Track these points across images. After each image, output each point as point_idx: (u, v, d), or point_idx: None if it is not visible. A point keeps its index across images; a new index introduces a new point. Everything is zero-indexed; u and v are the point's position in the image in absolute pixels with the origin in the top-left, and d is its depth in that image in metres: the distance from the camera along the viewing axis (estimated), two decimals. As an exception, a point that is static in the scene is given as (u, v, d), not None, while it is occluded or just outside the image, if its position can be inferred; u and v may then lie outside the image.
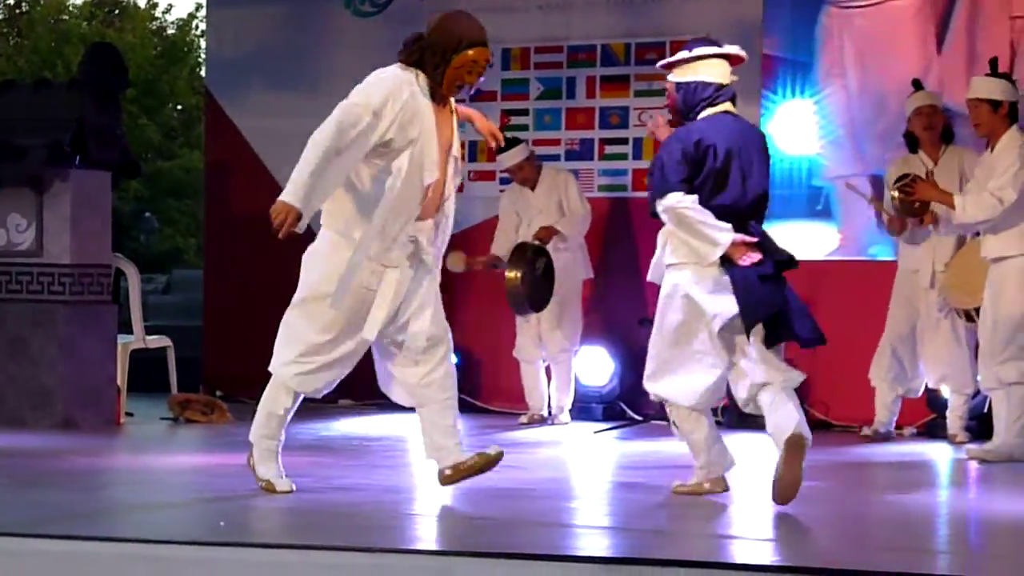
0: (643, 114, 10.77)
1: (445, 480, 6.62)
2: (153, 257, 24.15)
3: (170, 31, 30.40)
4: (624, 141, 10.88)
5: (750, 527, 6.24)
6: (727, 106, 6.64)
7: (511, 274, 9.79)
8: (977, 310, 8.76)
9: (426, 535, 6.01)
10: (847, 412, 9.94)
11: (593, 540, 5.76)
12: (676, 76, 6.67)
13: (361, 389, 11.39)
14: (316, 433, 9.51)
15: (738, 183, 6.50)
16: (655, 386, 6.71)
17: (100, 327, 9.53)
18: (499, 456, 6.61)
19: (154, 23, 30.47)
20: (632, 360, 10.72)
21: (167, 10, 30.87)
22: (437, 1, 11.30)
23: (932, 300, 9.24)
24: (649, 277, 6.79)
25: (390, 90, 6.38)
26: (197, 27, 29.36)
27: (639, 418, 10.23)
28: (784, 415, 6.43)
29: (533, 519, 6.16)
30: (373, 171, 6.42)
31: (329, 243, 6.55)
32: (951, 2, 10.07)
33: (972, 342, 9.16)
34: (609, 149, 10.93)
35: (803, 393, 10.11)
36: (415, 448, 9.20)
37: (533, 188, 10.22)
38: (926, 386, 9.46)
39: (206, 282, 12.15)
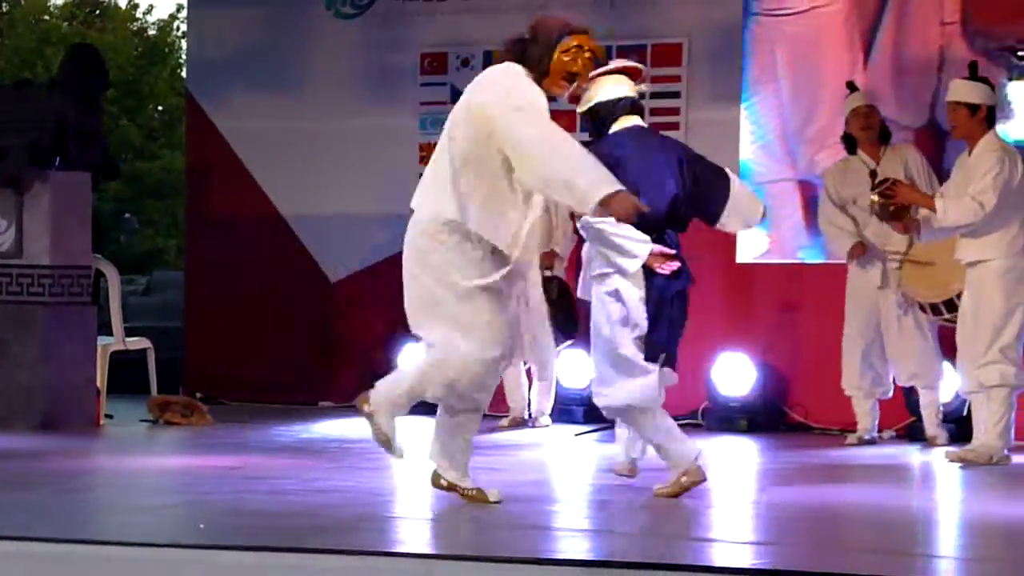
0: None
1: (436, 485, 6.56)
2: (133, 258, 24.11)
3: (151, 32, 30.34)
4: (605, 143, 10.87)
5: (730, 530, 6.25)
6: (635, 119, 6.81)
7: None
8: (946, 304, 8.77)
9: (407, 538, 6.01)
10: (826, 415, 9.95)
11: (574, 543, 5.76)
12: (580, 107, 6.90)
13: (342, 391, 11.45)
14: (297, 435, 9.49)
15: (651, 195, 6.57)
16: (607, 395, 6.78)
17: (80, 328, 9.50)
18: (496, 503, 6.41)
19: (135, 24, 30.41)
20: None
21: (148, 11, 30.78)
22: (417, 3, 11.35)
23: (890, 297, 9.25)
24: (579, 294, 6.94)
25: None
26: (178, 28, 29.31)
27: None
28: (683, 444, 6.78)
29: (514, 522, 6.16)
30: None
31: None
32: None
33: (936, 335, 9.18)
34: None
35: (782, 396, 10.21)
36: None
37: None
38: (903, 388, 9.47)
39: (187, 283, 12.13)
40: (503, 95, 6.18)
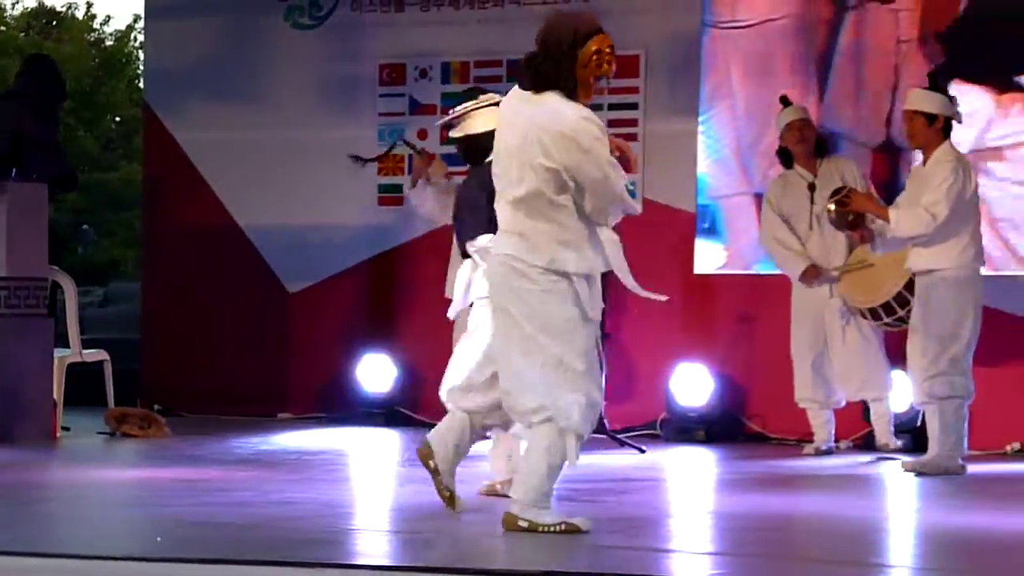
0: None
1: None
2: (91, 269, 23.98)
3: (108, 43, 30.25)
4: (564, 155, 10.88)
5: (689, 540, 6.26)
6: None
7: None
8: (884, 307, 8.81)
9: (365, 550, 6.00)
10: (784, 426, 9.98)
11: (534, 554, 5.76)
12: (455, 132, 7.10)
13: (300, 403, 11.44)
14: (255, 447, 9.47)
15: None
16: (463, 399, 6.81)
17: (36, 340, 9.46)
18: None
19: (92, 35, 30.31)
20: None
21: (105, 21, 30.69)
22: (376, 14, 11.35)
23: (834, 308, 9.29)
24: (450, 315, 7.13)
25: None
26: (135, 39, 29.22)
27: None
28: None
29: (473, 533, 6.16)
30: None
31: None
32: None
33: (883, 344, 9.21)
34: (549, 163, 10.94)
35: (740, 407, 10.25)
36: (355, 462, 9.19)
37: None
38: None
39: (144, 295, 12.08)
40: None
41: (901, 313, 8.82)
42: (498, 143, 6.12)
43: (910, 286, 8.68)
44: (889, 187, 9.56)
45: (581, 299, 5.94)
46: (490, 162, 6.71)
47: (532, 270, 5.93)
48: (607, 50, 5.96)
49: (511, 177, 5.99)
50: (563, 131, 5.87)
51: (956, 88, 9.16)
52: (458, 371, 6.80)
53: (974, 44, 9.76)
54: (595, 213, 5.97)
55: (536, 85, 5.97)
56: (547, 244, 5.93)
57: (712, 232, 10.34)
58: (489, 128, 6.81)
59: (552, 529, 5.90)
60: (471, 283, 6.96)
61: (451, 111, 7.23)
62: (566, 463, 5.96)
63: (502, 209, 6.07)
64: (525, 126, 5.95)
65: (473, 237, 6.90)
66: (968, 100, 9.09)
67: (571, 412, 5.89)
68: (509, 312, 5.97)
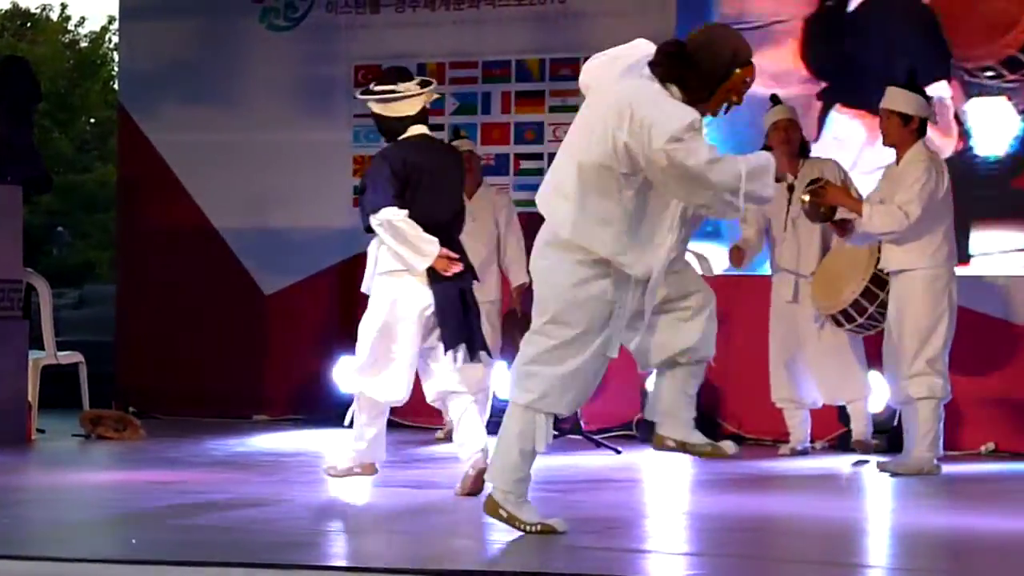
0: (558, 129, 10.82)
1: (661, 445, 6.16)
2: (66, 271, 23.92)
3: (83, 44, 30.16)
4: (539, 156, 10.90)
5: (664, 541, 6.27)
6: (423, 129, 7.37)
7: None
8: (843, 314, 8.81)
9: (341, 551, 5.99)
10: (759, 425, 10.00)
11: (510, 555, 5.76)
12: (378, 108, 7.36)
13: (276, 404, 11.43)
14: (231, 449, 9.46)
15: (439, 200, 7.26)
16: (360, 381, 7.27)
17: (11, 343, 9.43)
18: (734, 456, 6.15)
19: (67, 36, 30.23)
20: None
21: (80, 23, 30.61)
22: (351, 16, 11.34)
23: (806, 312, 9.30)
24: (363, 288, 7.40)
25: None
26: (110, 40, 29.14)
27: (555, 433, 10.21)
28: (474, 435, 7.22)
29: (448, 534, 6.16)
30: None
31: None
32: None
33: (859, 343, 9.21)
34: (524, 164, 10.96)
35: (715, 407, 10.26)
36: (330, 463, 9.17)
37: (470, 195, 10.20)
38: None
39: (119, 297, 12.06)
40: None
41: (861, 320, 8.81)
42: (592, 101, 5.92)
43: (867, 293, 8.69)
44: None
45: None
46: (403, 139, 7.23)
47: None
48: (750, 83, 5.88)
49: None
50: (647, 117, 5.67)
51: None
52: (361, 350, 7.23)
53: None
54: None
55: (666, 77, 5.81)
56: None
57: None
58: (413, 113, 7.26)
59: (529, 529, 5.89)
60: (377, 258, 7.28)
61: (383, 86, 7.38)
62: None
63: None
64: (619, 94, 5.79)
65: (376, 210, 7.15)
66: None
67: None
68: None
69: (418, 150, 7.28)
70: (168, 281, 11.53)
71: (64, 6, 30.58)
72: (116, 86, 17.89)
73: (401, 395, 7.30)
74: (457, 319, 7.19)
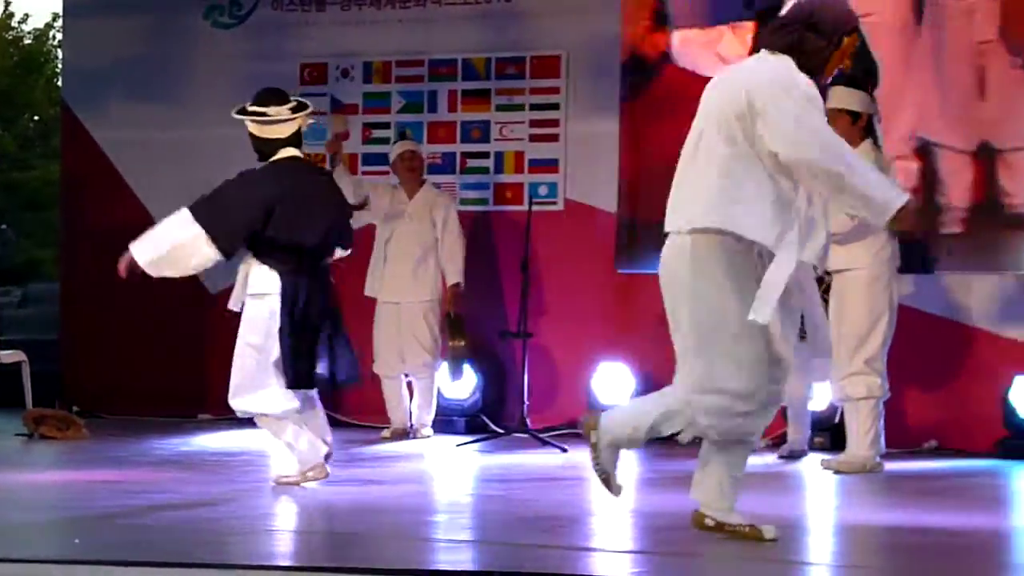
0: (504, 128, 10.83)
1: (699, 525, 5.95)
2: (9, 269, 23.77)
3: (27, 41, 29.95)
4: (486, 155, 10.90)
5: (610, 539, 6.28)
6: (295, 152, 7.46)
7: (459, 343, 10.13)
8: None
9: (285, 550, 5.98)
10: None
11: (455, 554, 5.76)
12: (254, 129, 7.50)
13: (220, 403, 11.36)
14: (175, 448, 9.42)
15: (304, 224, 7.31)
16: (240, 402, 7.42)
17: (-47, 342, 9.37)
18: (771, 540, 5.85)
19: (10, 33, 29.99)
20: (494, 373, 10.75)
21: (23, 20, 30.37)
22: (297, 14, 11.31)
23: None
24: (230, 305, 7.53)
25: None
26: (54, 37, 28.95)
27: (501, 431, 10.25)
28: (312, 449, 7.30)
29: (394, 533, 6.15)
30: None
31: None
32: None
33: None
34: (471, 163, 10.94)
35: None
36: (274, 463, 9.15)
37: (410, 195, 10.18)
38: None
39: (62, 295, 11.99)
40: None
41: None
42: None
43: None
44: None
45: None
46: (273, 162, 7.38)
47: None
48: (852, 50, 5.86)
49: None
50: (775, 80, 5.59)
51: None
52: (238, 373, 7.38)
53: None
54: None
55: (780, 47, 5.69)
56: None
57: None
58: (284, 137, 7.38)
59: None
60: (247, 276, 7.40)
61: (257, 107, 7.47)
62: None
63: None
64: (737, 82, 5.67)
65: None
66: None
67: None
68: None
69: (286, 173, 7.36)
70: (112, 279, 11.41)
71: (8, 3, 30.36)
72: (60, 83, 17.79)
73: (294, 401, 7.33)
74: (289, 345, 7.29)
